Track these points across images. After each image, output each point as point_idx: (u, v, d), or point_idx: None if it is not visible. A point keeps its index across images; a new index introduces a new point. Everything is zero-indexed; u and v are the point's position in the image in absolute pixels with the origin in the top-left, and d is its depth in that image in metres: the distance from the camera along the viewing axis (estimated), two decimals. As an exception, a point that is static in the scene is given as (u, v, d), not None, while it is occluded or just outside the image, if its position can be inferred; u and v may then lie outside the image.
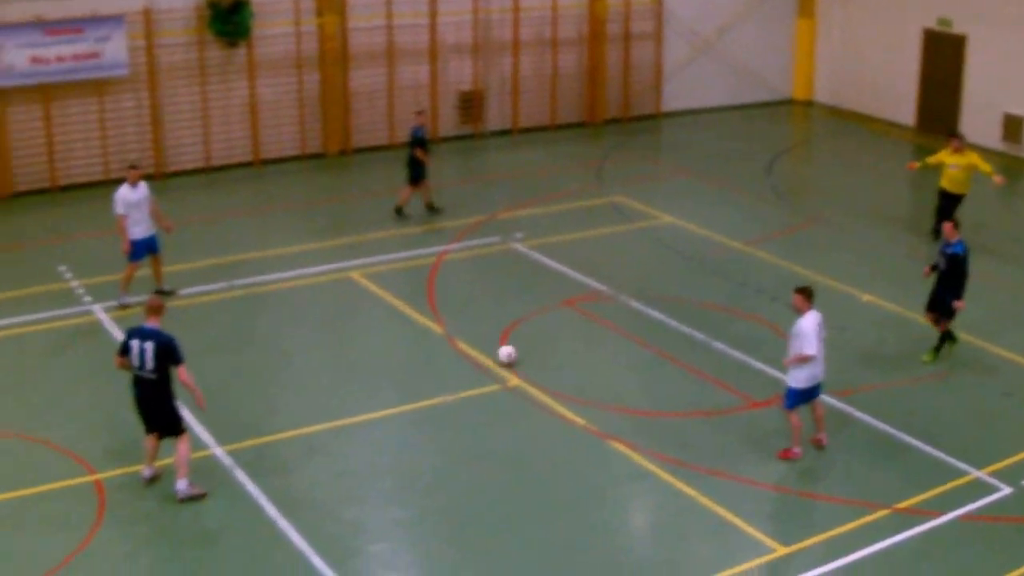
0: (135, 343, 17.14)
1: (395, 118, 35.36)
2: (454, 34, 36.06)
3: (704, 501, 17.46)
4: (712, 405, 20.38)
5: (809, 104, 42.65)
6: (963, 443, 19.43)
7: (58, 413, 19.91)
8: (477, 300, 24.63)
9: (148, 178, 30.04)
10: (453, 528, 16.88)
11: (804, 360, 18.25)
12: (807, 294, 18.45)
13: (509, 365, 21.28)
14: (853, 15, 41.59)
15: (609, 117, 39.05)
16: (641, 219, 29.56)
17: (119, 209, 23.58)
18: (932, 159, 28.68)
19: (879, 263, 27.18)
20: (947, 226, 21.93)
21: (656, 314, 23.76)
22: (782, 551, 16.39)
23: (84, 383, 20.78)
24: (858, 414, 20.16)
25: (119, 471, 18.01)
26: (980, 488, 18.18)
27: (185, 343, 17.76)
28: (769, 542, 16.56)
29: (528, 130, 37.53)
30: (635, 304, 24.25)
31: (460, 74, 36.56)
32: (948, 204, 27.78)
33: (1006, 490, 18.12)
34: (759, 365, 21.74)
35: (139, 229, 23.74)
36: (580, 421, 19.65)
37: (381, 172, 33.22)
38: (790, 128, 41.13)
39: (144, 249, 23.89)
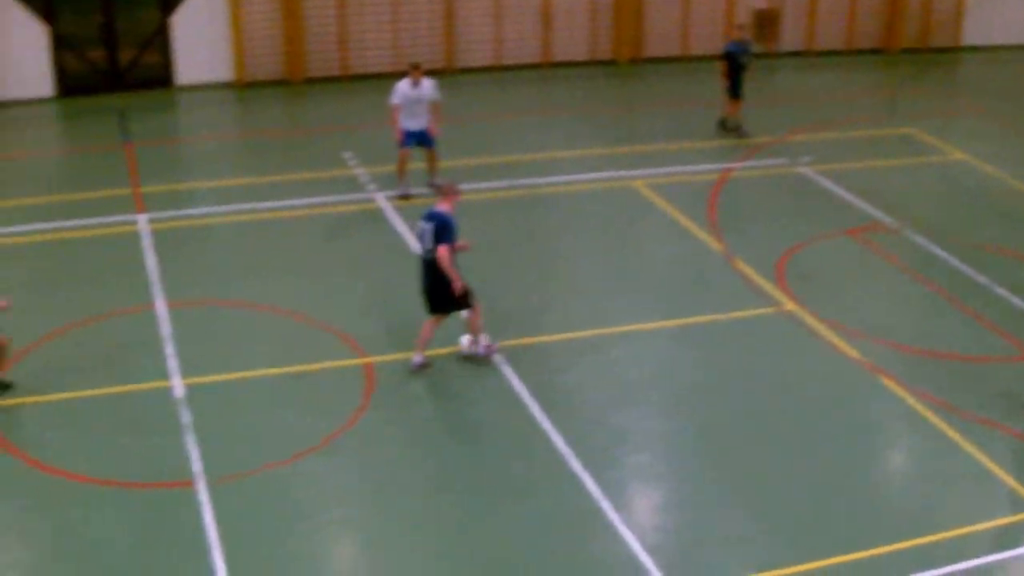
0: (420, 224, 18.04)
1: (689, 29, 35.11)
2: (755, -51, 35.66)
3: (969, 449, 17.07)
4: (988, 351, 19.91)
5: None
6: None
7: (335, 296, 20.50)
8: (758, 220, 24.43)
9: (437, 73, 30.48)
10: (713, 447, 16.87)
11: None
12: None
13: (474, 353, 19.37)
14: None
15: (906, 46, 38.11)
16: (932, 154, 28.88)
17: (394, 100, 24.07)
18: None
19: None
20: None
21: (939, 252, 23.24)
22: (1044, 509, 16.03)
23: (362, 268, 21.33)
24: None
25: (389, 357, 18.45)
26: None
27: (461, 238, 18.00)
28: (1032, 498, 16.21)
29: (822, 53, 36.93)
30: (919, 239, 23.75)
31: (759, -8, 36.19)
32: None
33: None
34: (1043, 315, 21.18)
35: (411, 122, 24.16)
36: (852, 352, 19.41)
37: (671, 83, 33.14)
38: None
39: (413, 139, 24.29)
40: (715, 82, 30.43)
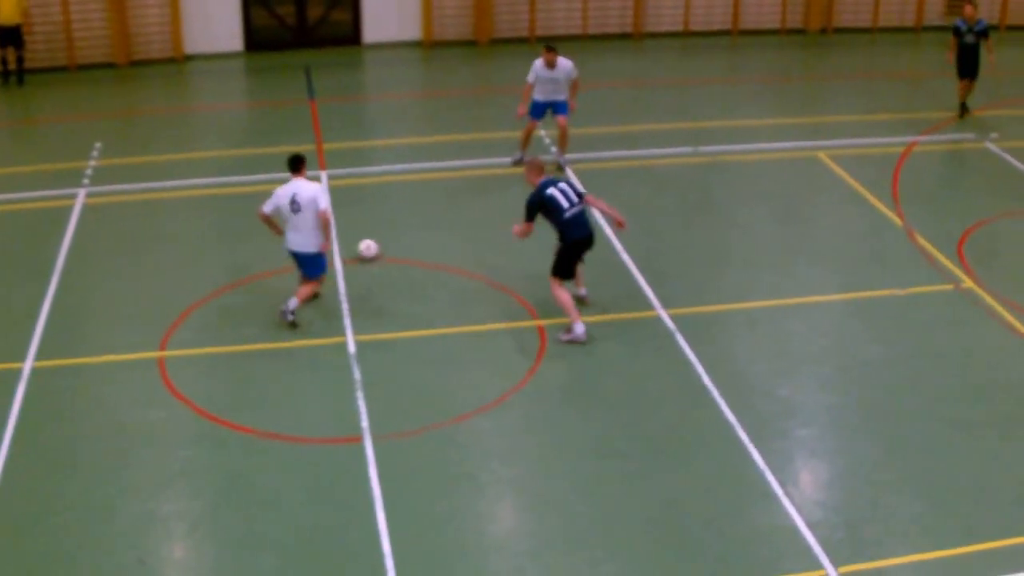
0: (555, 191, 18.16)
1: (881, 1, 34.61)
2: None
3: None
4: None
5: None
6: None
7: (511, 257, 20.52)
8: (942, 196, 24.08)
9: (626, 37, 30.51)
10: (883, 423, 16.65)
11: None
12: None
13: (367, 258, 19.67)
14: None
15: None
16: None
17: (529, 78, 24.07)
18: None
19: None
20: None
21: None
22: None
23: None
24: None
25: (564, 320, 18.51)
26: None
27: (641, 202, 18.13)
28: None
29: (1017, 28, 36.10)
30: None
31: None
32: None
33: None
34: None
35: (544, 96, 24.10)
36: (1030, 333, 19.08)
37: (860, 54, 32.75)
38: None
39: (542, 109, 24.22)
40: (904, 55, 30.07)
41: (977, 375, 17.93)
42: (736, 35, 33.94)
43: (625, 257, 20.55)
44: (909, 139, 26.40)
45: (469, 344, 18.11)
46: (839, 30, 34.66)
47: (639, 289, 19.56)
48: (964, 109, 27.55)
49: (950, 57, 27.45)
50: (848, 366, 17.99)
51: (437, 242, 21.22)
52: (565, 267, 18.33)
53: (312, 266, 18.29)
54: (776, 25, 34.28)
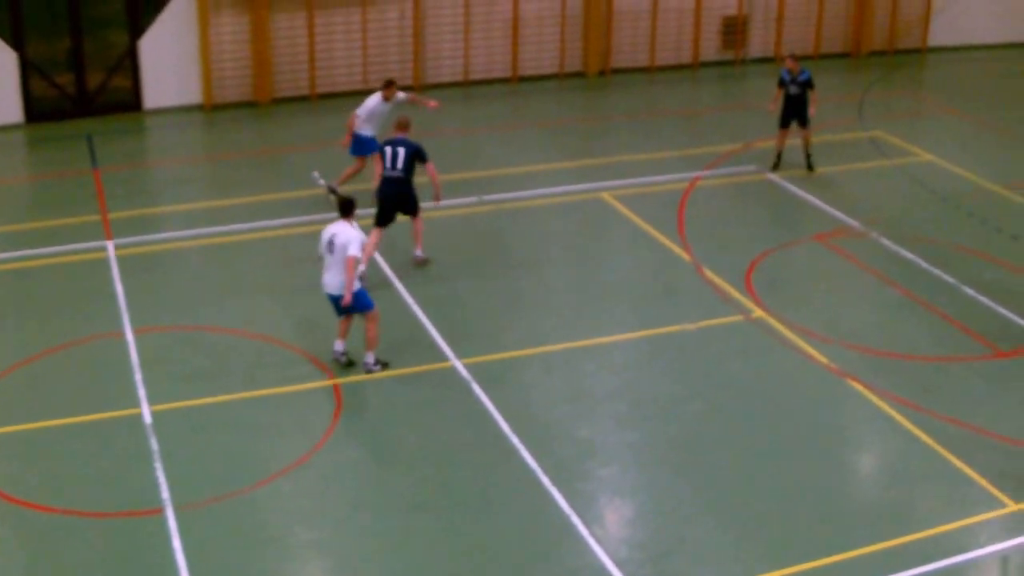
0: (388, 148, 21.58)
1: (656, 41, 35.21)
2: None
3: (939, 449, 17.18)
4: (957, 351, 20.01)
5: (1089, 44, 41.17)
6: None
7: (303, 317, 20.47)
8: (727, 229, 24.48)
9: (406, 90, 30.59)
10: (684, 456, 16.94)
11: None
12: None
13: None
14: None
15: (874, 49, 38.24)
16: (900, 156, 28.97)
17: (360, 110, 24.37)
18: None
19: None
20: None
21: (907, 254, 23.34)
22: (1012, 507, 16.02)
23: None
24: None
25: (357, 377, 18.49)
26: None
27: (431, 254, 18.08)
28: (1001, 496, 16.22)
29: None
30: (887, 242, 23.85)
31: (725, -1, 36.26)
32: None
33: None
34: (1008, 314, 21.23)
35: (369, 131, 24.52)
36: (821, 358, 19.48)
37: (639, 94, 33.21)
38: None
39: (368, 147, 24.45)
40: (682, 92, 30.63)
41: (773, 401, 18.34)
42: (516, 82, 34.20)
43: (416, 310, 20.55)
44: (692, 175, 26.86)
45: (266, 407, 17.92)
46: (617, 71, 35.13)
47: (432, 341, 19.59)
48: (779, 159, 27.65)
49: (772, 107, 27.82)
50: (645, 402, 18.22)
51: (229, 306, 20.98)
52: (378, 215, 21.74)
53: (357, 305, 18.35)
54: (555, 70, 34.65)
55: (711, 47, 36.24)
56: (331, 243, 18.23)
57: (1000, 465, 16.96)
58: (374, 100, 24.33)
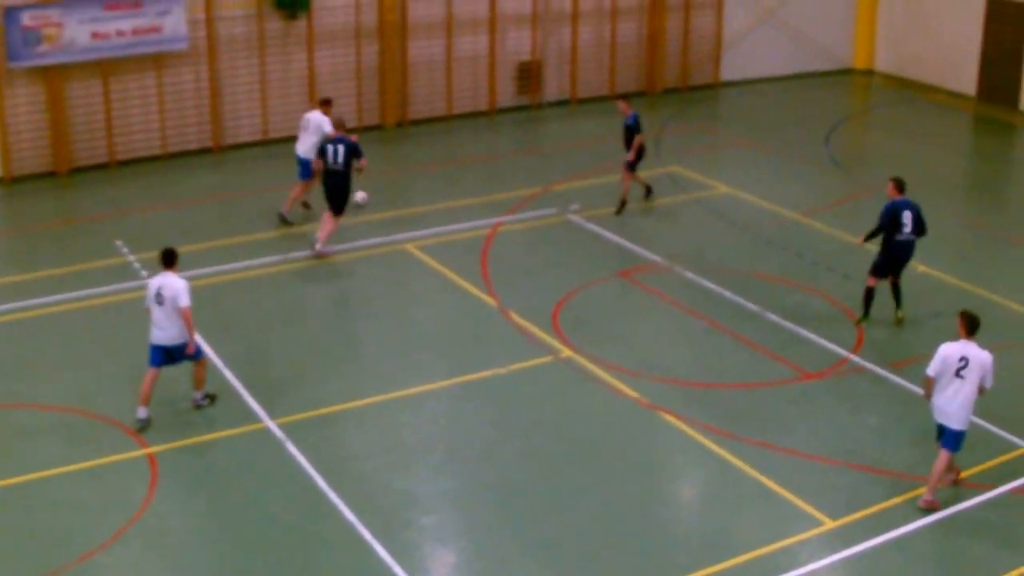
0: (330, 146, 24.99)
1: (453, 90, 35.37)
2: (513, 4, 35.92)
3: (754, 473, 17.48)
4: (764, 377, 20.36)
5: (869, 73, 42.33)
6: (1018, 416, 19.30)
7: (112, 388, 20.05)
8: (531, 272, 24.62)
9: (206, 152, 30.34)
10: (503, 499, 16.96)
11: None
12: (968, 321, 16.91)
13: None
14: (916, -18, 41.25)
15: (668, 87, 38.89)
16: (698, 189, 29.46)
17: (312, 138, 26.90)
18: None
19: (934, 233, 27.00)
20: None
21: (710, 285, 23.72)
22: (830, 524, 16.39)
23: (141, 357, 20.90)
24: (911, 387, 20.04)
25: (172, 444, 18.19)
26: (1035, 460, 18.13)
27: (239, 315, 17.94)
28: (818, 514, 16.56)
29: (586, 100, 37.43)
30: (689, 275, 24.21)
31: (519, 44, 36.42)
32: None
33: (1060, 464, 18.08)
34: (813, 337, 21.70)
35: (305, 149, 27.11)
36: (631, 392, 19.66)
37: (438, 143, 33.28)
38: (850, 98, 40.80)
39: (309, 172, 26.89)
40: (480, 139, 30.82)
41: (587, 439, 18.49)
42: (320, 137, 34.05)
43: (228, 373, 20.28)
44: (494, 220, 26.95)
45: (82, 482, 17.48)
46: (416, 122, 35.16)
47: (243, 401, 19.36)
48: (623, 205, 27.87)
49: (630, 156, 27.87)
50: (462, 449, 18.22)
51: (37, 381, 20.48)
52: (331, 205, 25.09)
53: (183, 354, 18.66)
54: (354, 124, 34.54)
55: (507, 93, 36.49)
56: (159, 295, 18.19)
57: (814, 484, 17.32)
58: (319, 117, 26.81)
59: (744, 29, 40.40)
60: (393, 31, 34.34)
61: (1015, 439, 18.64)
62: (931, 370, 16.71)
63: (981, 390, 16.65)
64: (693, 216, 27.87)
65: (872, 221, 22.37)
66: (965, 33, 39.56)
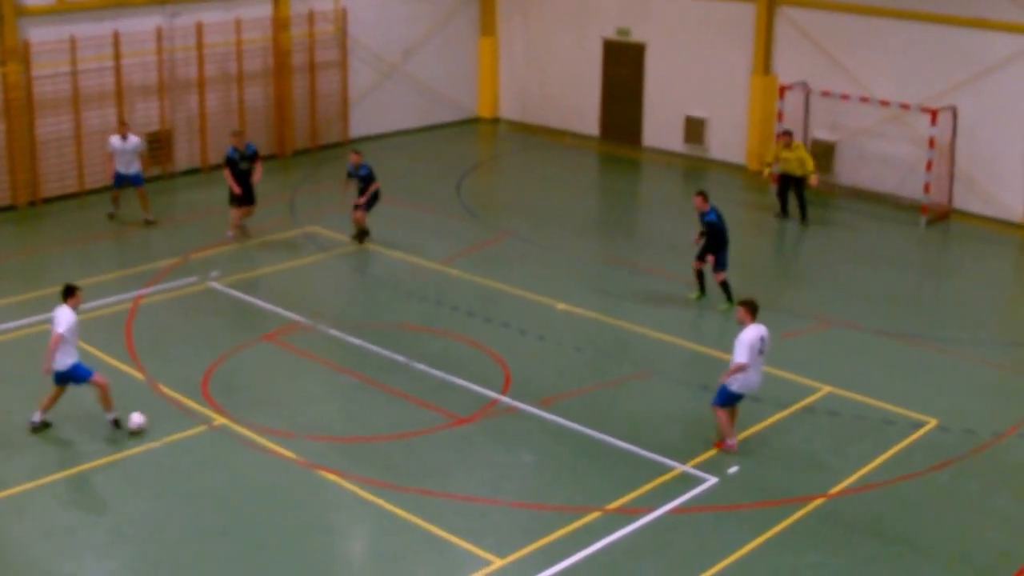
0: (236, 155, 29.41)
1: (84, 165, 34.70)
2: (140, 76, 35.41)
3: (418, 521, 17.69)
4: (418, 425, 20.62)
5: (495, 121, 43.50)
6: (667, 439, 20.26)
7: None
8: (177, 342, 24.32)
9: None
10: (169, 574, 16.68)
11: (739, 369, 19.43)
12: (749, 307, 19.88)
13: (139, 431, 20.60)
14: (533, 31, 42.59)
15: (299, 148, 39.05)
16: (336, 247, 29.68)
17: (109, 148, 31.46)
18: (769, 157, 32.74)
19: (572, 271, 27.94)
20: (697, 199, 26.18)
21: (356, 340, 23.92)
22: (499, 563, 16.73)
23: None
24: (562, 421, 20.70)
25: None
26: (688, 481, 18.96)
27: None
28: (486, 555, 16.88)
29: (218, 167, 37.10)
30: (334, 332, 24.36)
31: (147, 115, 35.92)
32: (789, 184, 32.51)
33: (712, 480, 18.94)
34: (460, 382, 22.11)
35: (123, 167, 31.34)
36: (289, 454, 19.65)
37: (73, 220, 32.58)
38: (478, 146, 41.84)
39: (123, 181, 31.50)
40: (104, 211, 30.60)
41: (250, 505, 18.41)
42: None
43: None
44: (135, 293, 26.51)
45: None
46: (48, 200, 34.30)
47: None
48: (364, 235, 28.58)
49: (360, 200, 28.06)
50: (124, 527, 17.87)
51: None
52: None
53: (74, 376, 20.57)
54: (-18, 207, 33.64)
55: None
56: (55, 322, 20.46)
57: (479, 525, 17.69)
58: (114, 140, 31.41)
59: (369, 86, 40.92)
60: (19, 109, 33.49)
61: (667, 461, 19.40)
62: (742, 358, 19.37)
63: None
64: (334, 273, 28.09)
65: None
66: (585, 76, 41.07)
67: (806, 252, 31.00)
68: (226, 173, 30.27)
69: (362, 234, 30.13)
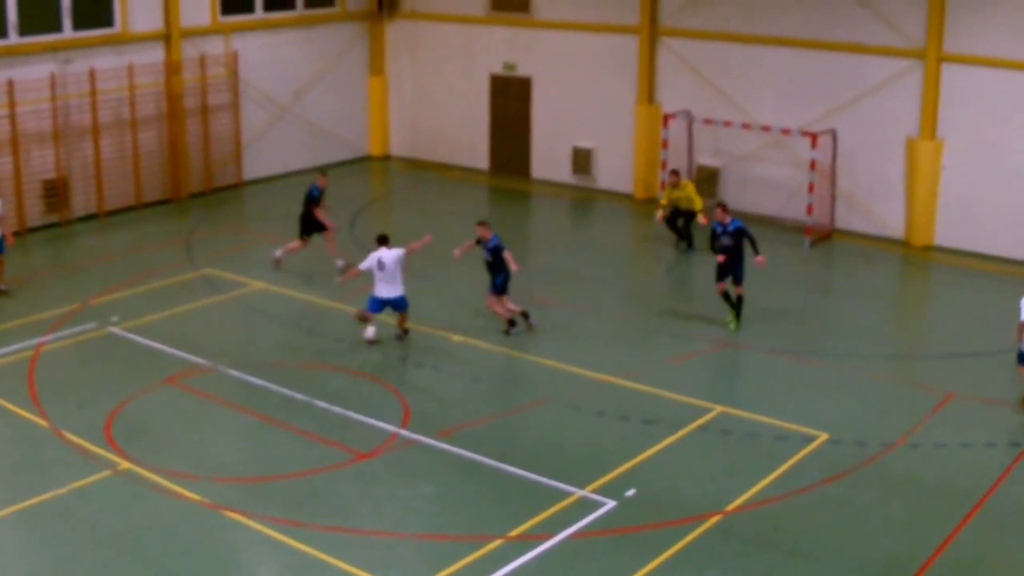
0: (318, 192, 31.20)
1: None
2: (34, 123, 35.46)
3: (325, 557, 17.95)
4: (321, 463, 20.93)
5: (387, 159, 44.05)
6: (565, 465, 20.72)
7: None
8: (79, 387, 24.42)
9: None
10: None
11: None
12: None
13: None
14: (422, 68, 43.18)
15: (193, 191, 39.21)
16: (233, 288, 29.94)
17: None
18: (664, 200, 33.40)
19: (467, 303, 28.35)
20: (718, 210, 27.34)
21: (256, 380, 24.19)
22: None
23: None
24: (460, 451, 21.13)
25: None
26: (587, 505, 19.42)
27: None
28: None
29: (115, 212, 37.24)
30: (234, 373, 24.62)
31: (43, 163, 35.84)
32: (677, 215, 33.48)
33: (611, 504, 19.42)
34: (361, 417, 22.48)
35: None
36: (194, 496, 19.85)
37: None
38: (370, 184, 42.31)
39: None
40: (11, 260, 30.53)
41: (157, 549, 18.53)
42: None
43: None
44: (35, 341, 26.59)
45: None
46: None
47: None
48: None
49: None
50: None
51: None
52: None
53: (401, 304, 26.16)
54: None
55: (35, 212, 35.73)
56: (381, 263, 25.82)
57: (385, 558, 18.04)
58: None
59: (262, 127, 41.24)
60: (-89, 160, 33.48)
61: (565, 487, 19.86)
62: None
63: None
64: (232, 315, 28.34)
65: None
66: (473, 111, 41.73)
67: (696, 277, 31.68)
68: (316, 210, 31.27)
69: (520, 318, 27.11)
